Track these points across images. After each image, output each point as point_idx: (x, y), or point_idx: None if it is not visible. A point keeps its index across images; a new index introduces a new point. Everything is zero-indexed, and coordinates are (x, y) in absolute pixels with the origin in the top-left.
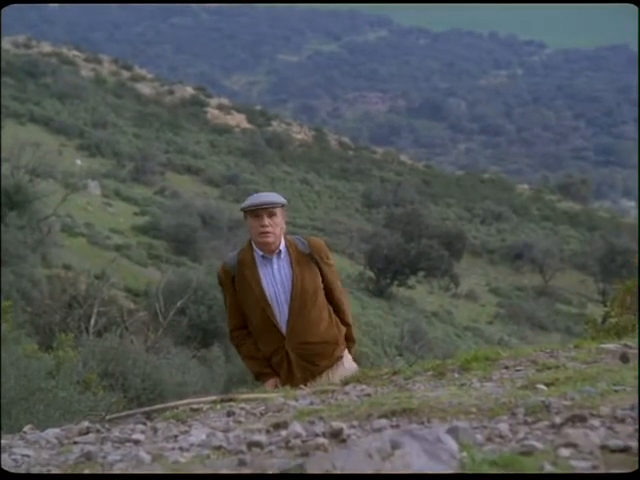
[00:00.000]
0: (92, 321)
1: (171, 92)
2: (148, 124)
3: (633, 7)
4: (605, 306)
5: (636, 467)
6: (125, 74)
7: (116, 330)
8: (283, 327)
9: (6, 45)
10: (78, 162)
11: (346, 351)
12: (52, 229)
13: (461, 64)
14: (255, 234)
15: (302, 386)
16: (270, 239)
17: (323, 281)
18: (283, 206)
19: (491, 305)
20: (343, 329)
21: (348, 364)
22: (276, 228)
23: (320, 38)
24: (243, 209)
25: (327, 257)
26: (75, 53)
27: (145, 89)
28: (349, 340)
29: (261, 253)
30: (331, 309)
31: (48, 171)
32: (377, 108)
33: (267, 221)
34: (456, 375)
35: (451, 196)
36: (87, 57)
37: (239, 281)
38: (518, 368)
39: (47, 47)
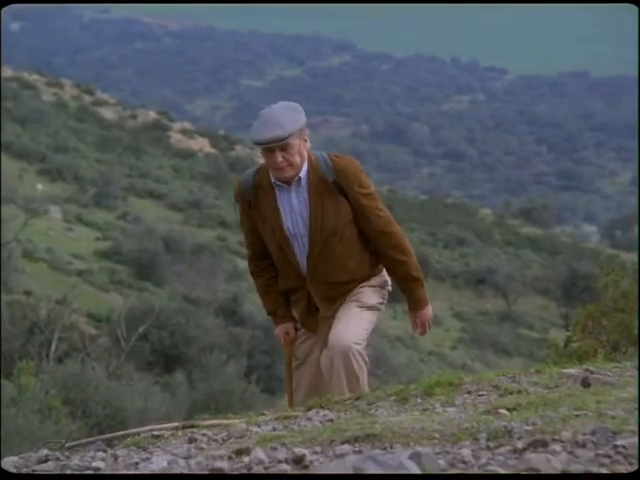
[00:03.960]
0: (53, 347)
1: (134, 116)
2: (110, 149)
3: (633, 7)
4: (567, 331)
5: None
6: (87, 98)
7: (77, 356)
8: (303, 265)
9: None
10: (39, 187)
11: (375, 279)
12: (12, 254)
13: (424, 89)
14: (270, 168)
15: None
16: (288, 173)
17: (355, 212)
18: (301, 130)
19: (455, 330)
20: (381, 266)
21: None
22: (293, 159)
23: (283, 63)
24: (252, 142)
25: (358, 184)
26: (36, 77)
27: (107, 113)
28: (408, 280)
29: (278, 182)
30: (364, 244)
31: (9, 196)
32: (341, 133)
33: (280, 157)
34: (419, 400)
35: (414, 220)
36: (48, 81)
37: (256, 206)
38: (481, 393)
39: (8, 71)
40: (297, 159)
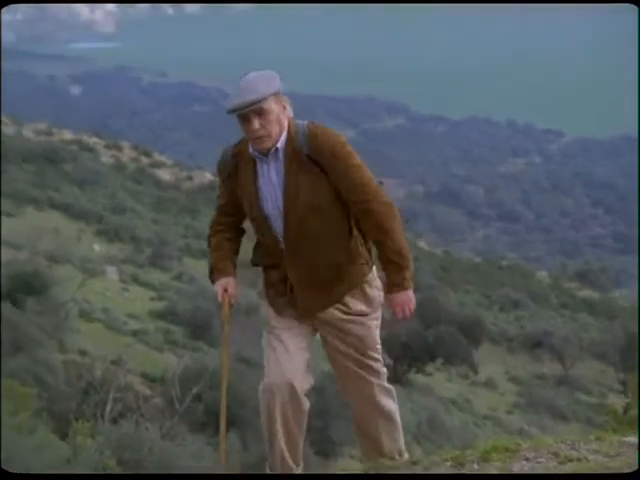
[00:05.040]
0: (108, 408)
1: (190, 178)
2: (166, 209)
3: (633, 7)
4: (626, 397)
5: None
6: (145, 160)
7: (132, 417)
8: (282, 241)
9: (28, 133)
10: (96, 247)
11: (373, 274)
12: (69, 314)
13: (478, 151)
14: (248, 138)
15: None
16: (266, 143)
17: (333, 181)
18: (275, 94)
19: (510, 394)
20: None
21: (372, 291)
22: (271, 126)
23: (337, 125)
24: (228, 113)
25: (333, 155)
26: (95, 140)
27: (164, 175)
28: (385, 261)
29: (256, 153)
30: (350, 225)
31: (66, 257)
32: (395, 193)
33: (257, 123)
34: (475, 466)
35: (469, 282)
36: (107, 144)
37: (236, 177)
38: (539, 460)
39: (68, 134)
40: (275, 127)
